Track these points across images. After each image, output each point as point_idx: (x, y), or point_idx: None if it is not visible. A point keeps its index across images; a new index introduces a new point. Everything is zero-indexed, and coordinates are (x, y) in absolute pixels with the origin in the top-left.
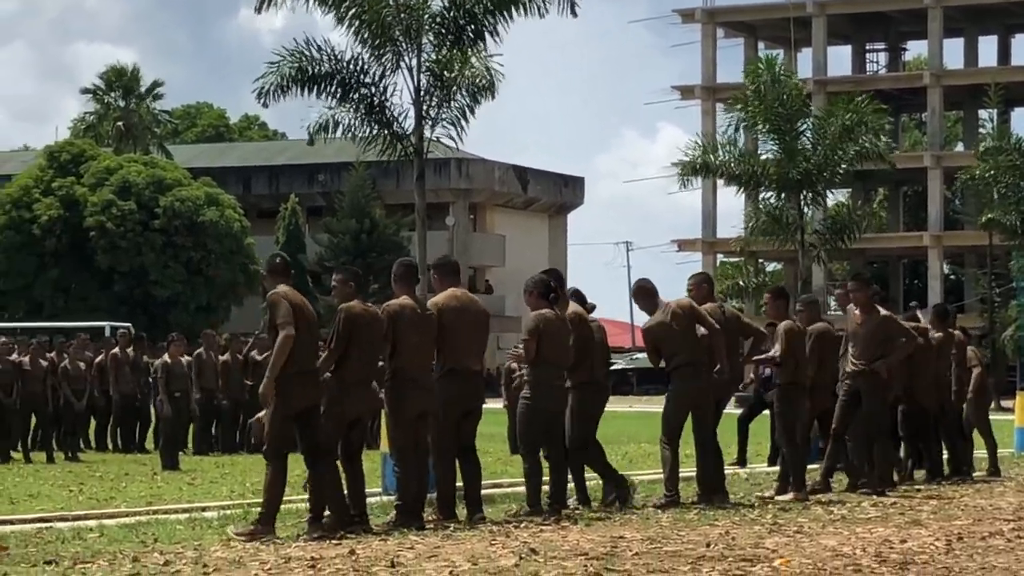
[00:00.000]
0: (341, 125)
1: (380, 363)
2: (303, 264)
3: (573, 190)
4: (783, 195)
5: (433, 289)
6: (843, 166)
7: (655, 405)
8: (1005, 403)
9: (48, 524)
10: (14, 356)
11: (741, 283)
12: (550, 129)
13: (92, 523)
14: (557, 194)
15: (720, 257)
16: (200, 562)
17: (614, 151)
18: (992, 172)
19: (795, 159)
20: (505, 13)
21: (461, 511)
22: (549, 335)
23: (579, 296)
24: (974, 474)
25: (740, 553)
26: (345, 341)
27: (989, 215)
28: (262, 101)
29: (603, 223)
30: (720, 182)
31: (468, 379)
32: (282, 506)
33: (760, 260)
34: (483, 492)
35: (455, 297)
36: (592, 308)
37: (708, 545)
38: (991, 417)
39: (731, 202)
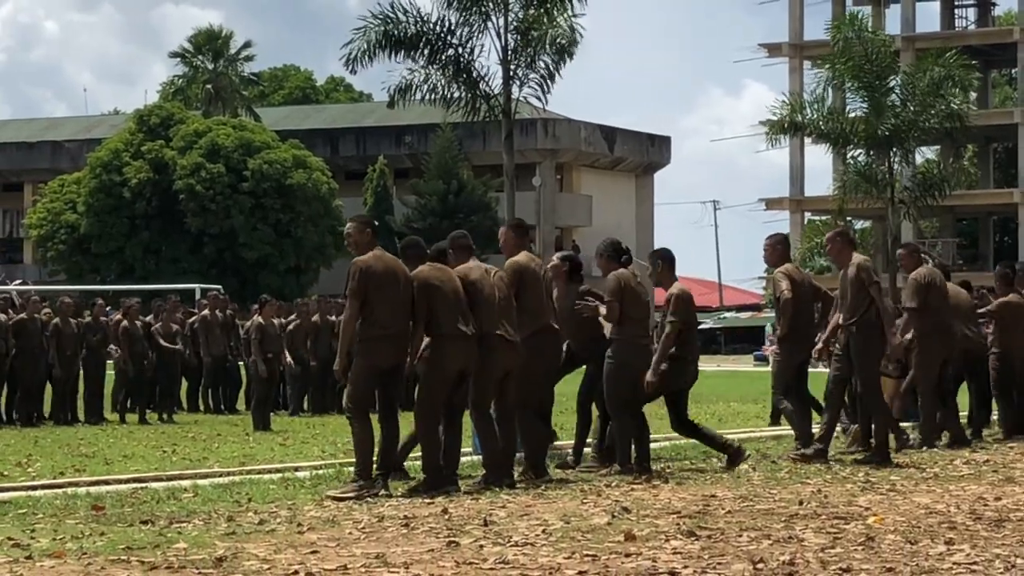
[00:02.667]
0: (423, 88)
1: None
2: (390, 226)
3: (660, 149)
4: (872, 152)
5: (504, 247)
6: (932, 123)
7: (742, 364)
8: None
9: (143, 484)
10: (114, 318)
11: None
12: (636, 88)
13: (186, 483)
14: (644, 153)
15: (808, 215)
16: (294, 521)
17: (701, 110)
18: None
19: (884, 116)
20: None
21: (552, 470)
22: (631, 294)
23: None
24: None
25: (833, 511)
26: (361, 295)
27: None
28: (350, 68)
29: (690, 182)
30: (808, 140)
31: (557, 339)
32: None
33: (849, 218)
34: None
35: (532, 259)
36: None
37: (801, 503)
38: None
39: (819, 160)
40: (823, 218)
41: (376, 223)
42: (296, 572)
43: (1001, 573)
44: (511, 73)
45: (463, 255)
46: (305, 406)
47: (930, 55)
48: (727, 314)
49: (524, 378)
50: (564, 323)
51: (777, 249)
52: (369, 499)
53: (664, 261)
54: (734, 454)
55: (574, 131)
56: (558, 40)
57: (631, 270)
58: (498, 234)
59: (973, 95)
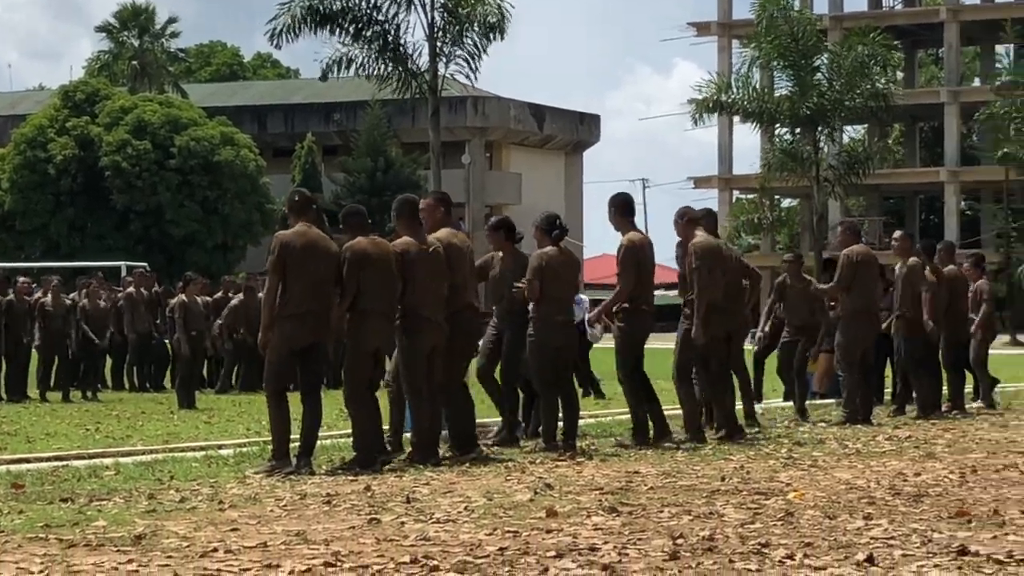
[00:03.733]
0: (355, 62)
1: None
2: (318, 203)
3: (589, 127)
4: (798, 131)
5: (429, 220)
6: (858, 102)
7: (670, 342)
8: (1022, 337)
9: (64, 462)
10: (36, 295)
11: (756, 219)
12: (565, 66)
13: (108, 461)
14: (573, 132)
15: (736, 194)
16: (216, 499)
17: (629, 88)
18: (1008, 107)
19: (810, 95)
20: None
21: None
22: (552, 272)
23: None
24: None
25: (754, 487)
26: (280, 272)
27: (1005, 150)
28: (275, 43)
29: (619, 160)
30: (736, 119)
31: (477, 318)
32: (317, 442)
33: (776, 196)
34: None
35: (455, 235)
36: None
37: (723, 479)
38: (1009, 352)
39: (747, 138)
40: (751, 196)
41: (305, 195)
42: (215, 549)
43: (917, 547)
44: (437, 50)
45: (406, 227)
46: (232, 382)
47: (855, 34)
48: (656, 292)
49: (447, 357)
50: (503, 290)
51: (685, 224)
52: (292, 477)
53: (614, 207)
54: (660, 434)
55: (503, 109)
56: (487, 19)
57: (562, 246)
58: (419, 205)
59: (900, 75)
